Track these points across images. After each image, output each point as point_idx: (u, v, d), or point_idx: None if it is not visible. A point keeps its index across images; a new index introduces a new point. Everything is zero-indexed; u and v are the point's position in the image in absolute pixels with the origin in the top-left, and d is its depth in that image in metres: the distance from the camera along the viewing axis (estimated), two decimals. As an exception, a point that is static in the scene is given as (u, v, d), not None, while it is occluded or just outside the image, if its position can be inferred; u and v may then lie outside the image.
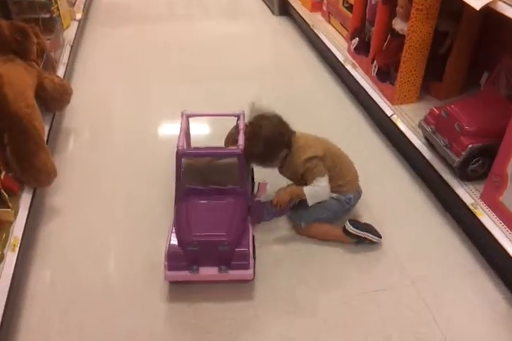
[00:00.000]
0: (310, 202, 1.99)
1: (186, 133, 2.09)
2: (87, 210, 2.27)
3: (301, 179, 2.03)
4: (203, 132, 2.76)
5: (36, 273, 1.96)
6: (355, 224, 2.04)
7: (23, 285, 1.89)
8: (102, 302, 1.84)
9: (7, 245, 1.84)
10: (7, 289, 1.71)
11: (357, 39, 3.09)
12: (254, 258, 1.82)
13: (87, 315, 1.80)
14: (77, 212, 2.26)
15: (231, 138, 2.12)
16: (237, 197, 1.94)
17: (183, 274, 1.78)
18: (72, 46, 3.44)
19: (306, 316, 1.79)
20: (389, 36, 2.72)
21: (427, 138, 2.28)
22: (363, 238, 2.03)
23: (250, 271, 1.80)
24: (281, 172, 2.12)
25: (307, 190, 1.97)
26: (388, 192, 2.36)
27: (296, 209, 2.11)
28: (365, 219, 2.16)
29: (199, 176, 1.98)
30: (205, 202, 1.93)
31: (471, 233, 2.07)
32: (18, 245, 1.88)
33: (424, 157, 2.27)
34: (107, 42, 3.93)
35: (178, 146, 1.89)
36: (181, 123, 2.07)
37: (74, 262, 2.01)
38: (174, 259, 1.77)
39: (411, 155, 2.44)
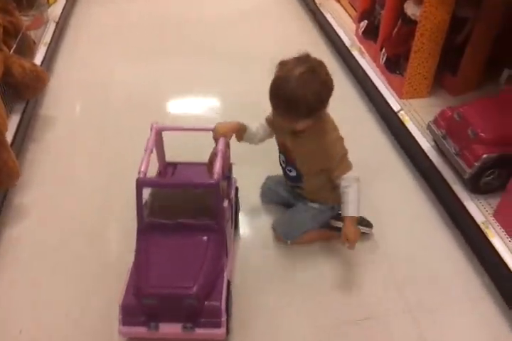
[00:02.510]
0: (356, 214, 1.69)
1: (158, 149, 1.74)
2: (58, 212, 2.06)
3: (316, 165, 1.69)
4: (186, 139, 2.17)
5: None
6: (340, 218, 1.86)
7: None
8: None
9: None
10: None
11: (366, 22, 2.82)
12: (228, 313, 1.51)
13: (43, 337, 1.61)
14: (46, 216, 2.04)
15: (212, 161, 1.67)
16: (212, 235, 1.55)
17: (140, 331, 1.47)
18: (57, 23, 3.16)
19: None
20: (399, 21, 2.45)
21: (436, 142, 2.03)
22: None
23: (222, 330, 1.47)
24: (288, 149, 1.71)
25: (354, 209, 1.67)
26: (389, 199, 2.13)
27: (278, 224, 1.89)
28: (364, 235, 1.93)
29: (167, 205, 1.62)
30: (171, 240, 1.54)
31: (480, 255, 1.83)
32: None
33: (432, 163, 2.02)
34: (100, 20, 3.59)
35: (139, 172, 1.51)
36: (148, 140, 1.63)
37: (34, 279, 1.81)
38: (129, 313, 1.45)
39: (418, 158, 2.19)
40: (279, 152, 1.80)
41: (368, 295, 1.74)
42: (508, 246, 1.65)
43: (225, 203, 1.57)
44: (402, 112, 2.31)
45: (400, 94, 2.40)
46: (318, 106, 1.55)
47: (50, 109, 2.65)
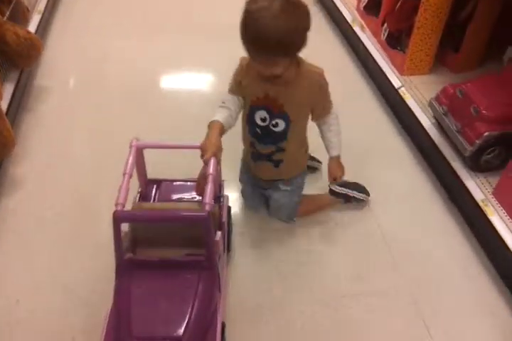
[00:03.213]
0: (339, 151, 1.73)
1: (139, 167, 1.56)
2: (53, 183, 2.03)
3: (303, 107, 1.58)
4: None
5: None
6: (342, 183, 1.90)
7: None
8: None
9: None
10: None
11: (368, -4, 2.76)
12: None
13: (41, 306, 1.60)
14: (40, 187, 2.01)
15: (202, 183, 1.44)
16: (202, 272, 1.35)
17: None
18: (52, -10, 3.08)
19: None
20: (403, -4, 2.40)
21: (437, 119, 2.01)
22: (351, 196, 1.93)
23: None
24: (273, 98, 1.54)
25: (339, 148, 1.72)
26: (388, 176, 2.11)
27: (274, 210, 1.85)
28: (361, 212, 1.95)
29: (149, 237, 1.43)
30: (155, 280, 1.33)
31: (478, 233, 1.83)
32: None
33: (432, 140, 2.01)
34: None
35: (116, 204, 1.31)
36: (127, 162, 1.43)
37: (31, 249, 1.79)
38: None
39: (418, 135, 2.17)
40: (254, 110, 1.59)
41: (365, 274, 1.75)
42: (507, 224, 1.65)
43: (218, 236, 1.40)
44: (402, 89, 2.28)
45: (401, 71, 2.37)
46: (301, 42, 1.40)
47: (44, 79, 2.60)
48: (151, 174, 1.66)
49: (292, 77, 1.50)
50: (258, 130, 1.63)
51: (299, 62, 1.51)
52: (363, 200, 1.94)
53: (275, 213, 1.87)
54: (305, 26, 1.39)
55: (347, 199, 1.93)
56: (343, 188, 1.91)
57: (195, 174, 1.55)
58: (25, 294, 1.64)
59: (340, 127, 1.69)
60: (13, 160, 2.08)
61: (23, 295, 1.64)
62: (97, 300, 1.58)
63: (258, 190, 1.86)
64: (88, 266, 1.72)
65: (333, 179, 1.75)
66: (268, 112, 1.57)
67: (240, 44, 1.41)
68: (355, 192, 1.93)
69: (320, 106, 1.61)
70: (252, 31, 1.35)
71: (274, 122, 1.58)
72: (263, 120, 1.60)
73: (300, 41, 1.40)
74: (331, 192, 1.92)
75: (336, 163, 1.73)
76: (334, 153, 1.71)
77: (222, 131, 1.50)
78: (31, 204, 1.94)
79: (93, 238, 1.81)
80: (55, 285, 1.67)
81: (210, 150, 1.40)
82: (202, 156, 1.42)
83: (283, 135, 1.62)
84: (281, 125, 1.59)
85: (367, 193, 1.95)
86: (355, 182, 1.95)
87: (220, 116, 1.52)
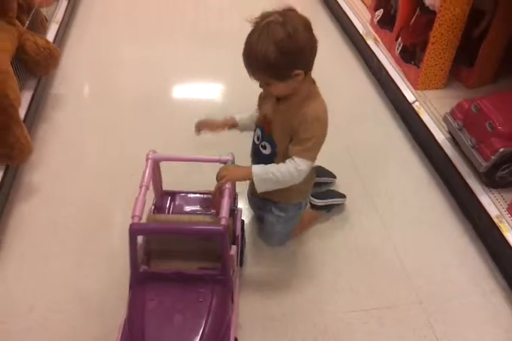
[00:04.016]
0: (258, 189, 1.49)
1: (155, 178, 1.56)
2: (68, 190, 2.04)
3: (286, 136, 1.48)
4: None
5: (1, 264, 1.75)
6: (317, 195, 1.93)
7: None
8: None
9: (-32, 232, 1.64)
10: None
11: (381, 10, 2.78)
12: None
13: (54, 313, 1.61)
14: (55, 194, 2.02)
15: (217, 196, 1.44)
16: (216, 286, 1.35)
17: None
18: (69, 1, 3.12)
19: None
20: (418, 11, 2.42)
21: (451, 134, 2.02)
22: (330, 205, 1.95)
23: None
24: (268, 119, 1.51)
25: (261, 172, 1.46)
26: (401, 190, 2.11)
27: (266, 235, 1.83)
28: (374, 226, 1.95)
29: (164, 250, 1.45)
30: (170, 294, 1.33)
31: (492, 249, 1.83)
32: (-18, 232, 1.68)
33: (446, 155, 2.01)
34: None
35: (133, 217, 1.32)
36: (144, 174, 1.43)
37: (44, 255, 1.80)
38: None
39: (432, 150, 2.17)
40: (256, 127, 1.59)
41: (378, 285, 1.75)
42: (522, 241, 1.64)
43: (233, 250, 1.40)
44: (416, 103, 2.29)
45: (415, 85, 2.38)
46: (283, 65, 1.33)
47: (60, 88, 2.63)
48: (166, 185, 1.67)
49: (295, 104, 1.45)
50: (253, 148, 1.63)
51: (310, 96, 1.45)
52: (342, 203, 1.99)
53: (267, 238, 1.84)
54: (290, 52, 1.31)
55: (329, 208, 1.95)
56: (321, 200, 1.92)
57: (210, 186, 1.55)
58: (39, 300, 1.65)
59: (281, 179, 1.46)
60: (29, 166, 2.10)
61: (37, 302, 1.64)
62: (111, 308, 1.59)
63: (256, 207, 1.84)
64: (102, 273, 1.72)
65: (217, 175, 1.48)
66: (261, 132, 1.55)
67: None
68: (334, 199, 1.95)
69: (295, 140, 1.46)
70: (244, 46, 1.37)
71: (262, 144, 1.56)
72: (257, 139, 1.59)
73: (282, 65, 1.33)
74: (313, 207, 1.92)
75: (238, 168, 1.50)
76: (254, 170, 1.47)
77: (232, 122, 1.64)
78: (46, 211, 1.95)
79: (107, 245, 1.82)
80: (68, 292, 1.68)
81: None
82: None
83: (270, 158, 1.55)
84: (268, 149, 1.55)
85: (343, 196, 1.98)
86: (327, 190, 2.00)
87: (241, 115, 1.65)
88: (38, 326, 1.58)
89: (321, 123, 1.46)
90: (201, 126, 1.66)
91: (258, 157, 1.60)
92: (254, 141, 1.61)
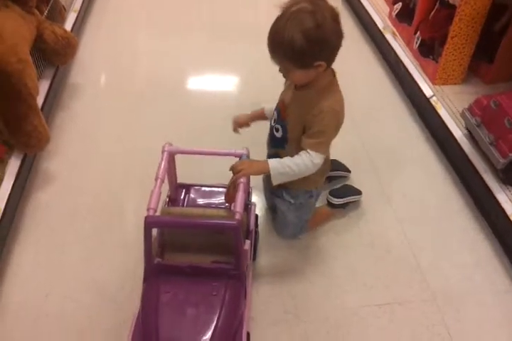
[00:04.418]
0: (274, 182, 1.50)
1: (170, 171, 1.56)
2: (84, 179, 2.06)
3: (300, 127, 1.49)
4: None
5: (17, 254, 1.76)
6: (335, 193, 1.93)
7: (1, 267, 1.70)
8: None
9: (-15, 219, 1.65)
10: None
11: (400, 4, 2.75)
12: None
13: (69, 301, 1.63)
14: (71, 183, 2.04)
15: (232, 190, 1.45)
16: (230, 280, 1.36)
17: None
18: (87, -10, 3.13)
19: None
20: (437, 5, 2.39)
21: (469, 130, 2.00)
22: (349, 202, 1.95)
23: None
24: (285, 104, 1.53)
25: (277, 166, 1.46)
26: (417, 186, 2.10)
27: (279, 225, 1.84)
28: (388, 222, 1.94)
29: (178, 242, 1.46)
30: (183, 287, 1.34)
31: (508, 247, 1.81)
32: (-1, 219, 1.69)
33: (463, 151, 1.99)
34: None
35: (148, 209, 1.31)
36: (159, 166, 1.44)
37: (61, 242, 1.82)
38: None
39: (449, 146, 2.16)
40: (274, 110, 1.60)
41: (392, 281, 1.74)
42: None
43: (246, 245, 1.41)
44: (434, 98, 2.27)
45: (433, 80, 2.36)
46: (307, 54, 1.32)
47: (77, 77, 2.64)
48: (180, 178, 1.67)
49: (312, 94, 1.44)
50: (270, 129, 1.64)
51: (329, 88, 1.45)
52: (358, 200, 1.98)
53: (280, 229, 1.84)
54: (316, 41, 1.30)
55: (346, 205, 1.95)
56: (340, 199, 1.91)
57: (220, 179, 1.56)
58: (55, 288, 1.67)
59: (297, 172, 1.47)
60: (46, 155, 2.12)
61: (53, 289, 1.66)
62: (125, 297, 1.61)
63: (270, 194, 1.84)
64: (118, 262, 1.74)
65: (231, 168, 1.46)
66: (278, 115, 1.57)
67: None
68: (351, 197, 1.94)
69: (309, 132, 1.46)
70: (270, 30, 1.36)
71: (276, 126, 1.58)
72: (274, 121, 1.60)
73: (306, 54, 1.32)
74: (332, 206, 1.92)
75: (252, 162, 1.49)
76: (270, 164, 1.47)
77: (259, 114, 1.68)
78: (62, 199, 1.97)
79: (123, 234, 1.84)
80: (84, 280, 1.69)
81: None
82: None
83: (281, 143, 1.57)
84: (280, 132, 1.56)
85: (359, 192, 1.97)
86: (343, 186, 1.98)
87: (269, 105, 1.64)
88: (54, 313, 1.60)
89: (336, 117, 1.46)
90: (240, 124, 1.68)
91: (272, 139, 1.63)
92: (271, 122, 1.63)
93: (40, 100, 2.10)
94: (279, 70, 1.43)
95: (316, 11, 1.29)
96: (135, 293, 1.42)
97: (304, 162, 1.45)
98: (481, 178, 1.88)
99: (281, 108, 1.55)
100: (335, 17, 1.33)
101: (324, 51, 1.35)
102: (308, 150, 1.45)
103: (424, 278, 1.75)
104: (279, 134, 1.57)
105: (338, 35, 1.36)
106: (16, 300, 1.63)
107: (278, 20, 1.34)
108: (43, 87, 2.22)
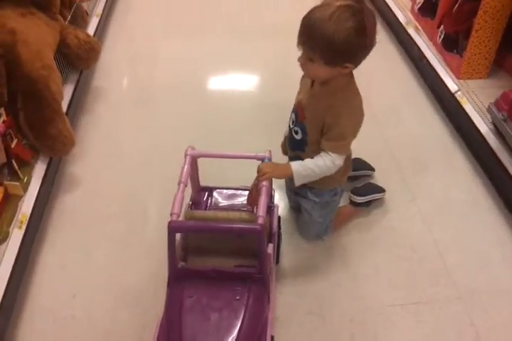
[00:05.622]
0: (297, 183, 1.50)
1: (192, 174, 1.57)
2: (108, 183, 2.09)
3: (319, 129, 1.47)
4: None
5: (44, 256, 1.80)
6: (357, 191, 1.91)
7: (29, 268, 1.74)
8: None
9: (13, 221, 1.67)
10: (8, 274, 1.55)
11: (423, -3, 2.71)
12: None
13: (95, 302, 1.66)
14: (96, 186, 2.07)
15: (254, 193, 1.46)
16: (253, 284, 1.35)
17: None
18: (109, -6, 3.17)
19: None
20: (461, -3, 2.35)
21: (495, 125, 1.96)
22: (373, 200, 1.93)
23: None
24: (302, 105, 1.50)
25: (299, 167, 1.46)
26: (442, 182, 2.07)
27: (303, 224, 1.83)
28: (413, 220, 1.91)
29: (202, 247, 1.46)
30: (207, 292, 1.34)
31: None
32: (26, 222, 1.71)
33: (490, 147, 1.95)
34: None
35: (171, 214, 1.33)
36: (182, 170, 1.46)
37: (87, 244, 1.85)
38: None
39: (475, 142, 2.12)
40: (292, 112, 1.58)
41: (417, 280, 1.72)
42: None
43: (270, 248, 1.42)
44: (459, 93, 2.23)
45: (458, 74, 2.32)
46: (341, 53, 1.30)
47: (101, 81, 2.68)
48: (202, 181, 1.68)
49: (329, 93, 1.42)
50: (288, 132, 1.62)
51: (346, 89, 1.43)
52: (382, 198, 1.96)
53: (304, 230, 1.83)
54: (355, 44, 1.28)
55: (369, 203, 1.93)
56: (363, 197, 1.90)
57: (241, 181, 1.56)
58: (82, 289, 1.69)
59: (318, 173, 1.47)
60: (70, 159, 2.15)
61: (79, 291, 1.69)
62: (150, 300, 1.63)
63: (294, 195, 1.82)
64: (142, 265, 1.76)
65: (259, 171, 1.46)
66: (295, 117, 1.55)
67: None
68: (374, 195, 1.93)
69: (329, 134, 1.44)
70: (310, 16, 1.30)
71: (295, 129, 1.56)
72: (292, 123, 1.58)
73: (340, 53, 1.30)
74: (354, 204, 1.91)
75: (278, 165, 1.50)
76: (293, 167, 1.47)
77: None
78: (87, 202, 2.00)
79: (147, 237, 1.86)
80: (109, 282, 1.72)
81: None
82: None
83: (301, 145, 1.56)
84: (299, 134, 1.54)
85: (382, 190, 1.95)
86: (366, 184, 1.96)
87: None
88: (80, 314, 1.63)
89: (355, 120, 1.45)
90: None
91: (291, 141, 1.61)
92: (289, 125, 1.61)
93: (64, 104, 2.13)
94: (298, 59, 1.38)
95: (364, 13, 1.27)
96: (158, 296, 1.43)
97: (325, 163, 1.45)
98: (509, 174, 1.84)
99: (298, 110, 1.53)
100: (375, 23, 1.31)
101: (359, 56, 1.34)
102: (329, 152, 1.45)
103: (450, 276, 1.72)
104: (298, 136, 1.55)
105: (373, 43, 1.33)
106: (43, 301, 1.66)
107: (323, 9, 1.27)
108: (68, 91, 2.25)
